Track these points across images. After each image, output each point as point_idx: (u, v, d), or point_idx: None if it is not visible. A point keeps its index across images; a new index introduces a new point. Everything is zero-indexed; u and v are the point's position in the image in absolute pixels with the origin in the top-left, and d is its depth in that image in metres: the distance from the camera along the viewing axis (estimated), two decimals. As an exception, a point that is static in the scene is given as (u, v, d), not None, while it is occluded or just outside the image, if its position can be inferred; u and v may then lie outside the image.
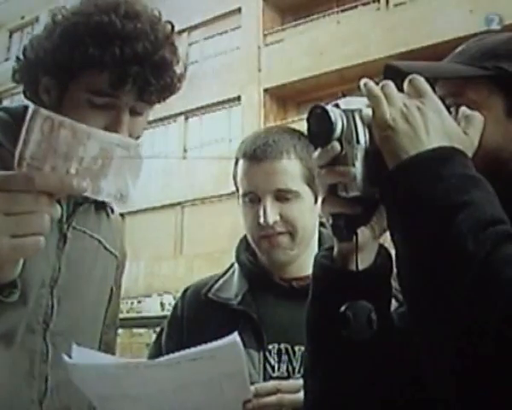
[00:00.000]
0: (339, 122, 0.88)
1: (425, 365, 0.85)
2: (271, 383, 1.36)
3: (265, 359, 1.47)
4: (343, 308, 0.90)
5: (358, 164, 0.87)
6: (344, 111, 0.89)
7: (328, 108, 0.88)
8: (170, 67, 1.31)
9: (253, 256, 1.60)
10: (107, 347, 1.48)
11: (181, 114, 17.71)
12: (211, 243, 15.25)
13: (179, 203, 17.37)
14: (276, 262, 1.53)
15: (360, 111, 0.89)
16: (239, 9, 17.79)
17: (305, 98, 16.04)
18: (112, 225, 1.49)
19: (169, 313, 1.68)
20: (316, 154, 0.92)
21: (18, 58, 1.35)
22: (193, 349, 1.16)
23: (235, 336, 1.15)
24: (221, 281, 1.61)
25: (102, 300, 1.46)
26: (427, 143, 0.85)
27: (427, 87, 0.90)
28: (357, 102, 0.91)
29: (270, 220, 1.47)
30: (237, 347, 1.16)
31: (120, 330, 13.78)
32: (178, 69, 1.34)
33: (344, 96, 0.94)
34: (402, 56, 12.46)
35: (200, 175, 16.42)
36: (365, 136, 0.88)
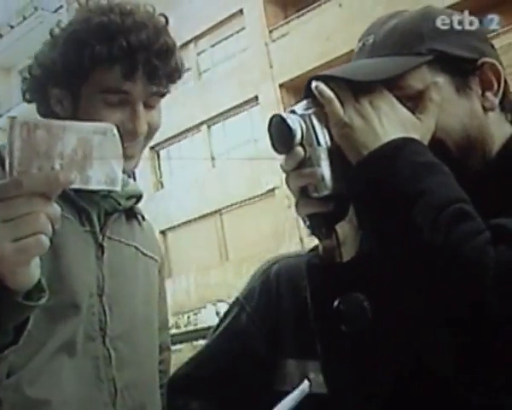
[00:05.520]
0: (298, 128, 0.89)
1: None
2: None
3: None
4: (336, 303, 0.93)
5: (324, 164, 0.89)
6: (301, 116, 0.90)
7: (286, 115, 0.90)
8: (173, 51, 1.36)
9: None
10: (161, 348, 1.53)
11: (203, 123, 17.68)
12: (255, 245, 15.16)
13: (216, 211, 17.37)
14: None
15: (316, 113, 0.90)
16: (241, 11, 17.69)
17: (320, 85, 15.92)
18: (145, 232, 1.52)
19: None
20: (282, 161, 0.93)
21: (25, 78, 1.37)
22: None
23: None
24: None
25: (151, 302, 1.48)
26: (383, 134, 0.87)
27: (330, 93, 0.90)
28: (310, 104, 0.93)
29: None
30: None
31: (181, 346, 13.87)
32: (179, 58, 1.39)
33: None
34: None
35: (232, 179, 16.42)
36: (325, 136, 0.90)
